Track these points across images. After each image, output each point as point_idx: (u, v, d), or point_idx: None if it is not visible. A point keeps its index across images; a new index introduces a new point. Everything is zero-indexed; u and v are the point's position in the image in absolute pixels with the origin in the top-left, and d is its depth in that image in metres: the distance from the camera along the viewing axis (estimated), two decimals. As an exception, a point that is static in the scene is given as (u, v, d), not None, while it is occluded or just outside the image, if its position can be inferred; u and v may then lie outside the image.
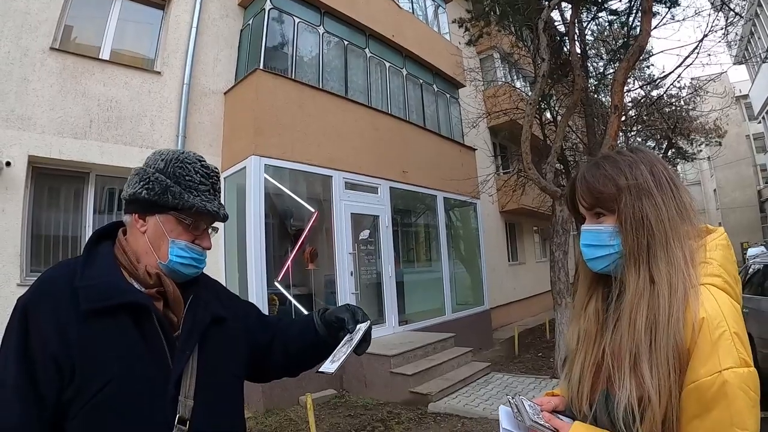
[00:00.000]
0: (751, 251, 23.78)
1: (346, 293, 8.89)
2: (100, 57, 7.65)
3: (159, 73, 8.16)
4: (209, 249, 1.54)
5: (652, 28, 9.02)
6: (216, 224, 1.58)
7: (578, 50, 10.71)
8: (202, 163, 1.52)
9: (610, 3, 11.21)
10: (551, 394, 1.48)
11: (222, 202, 1.56)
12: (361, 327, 1.67)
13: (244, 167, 8.05)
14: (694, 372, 1.08)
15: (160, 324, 1.34)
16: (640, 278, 1.21)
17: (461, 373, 8.31)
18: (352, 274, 9.11)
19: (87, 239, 1.46)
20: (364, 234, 10.00)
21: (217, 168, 1.57)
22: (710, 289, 1.16)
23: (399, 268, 10.77)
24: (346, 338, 1.65)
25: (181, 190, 1.43)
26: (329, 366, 1.56)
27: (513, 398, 1.37)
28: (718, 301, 1.13)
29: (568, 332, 1.44)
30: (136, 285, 1.38)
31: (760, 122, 29.23)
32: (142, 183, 1.42)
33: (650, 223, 1.22)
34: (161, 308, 1.38)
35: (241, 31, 9.48)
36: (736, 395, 1.04)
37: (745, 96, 32.53)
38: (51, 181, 7.14)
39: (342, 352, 1.59)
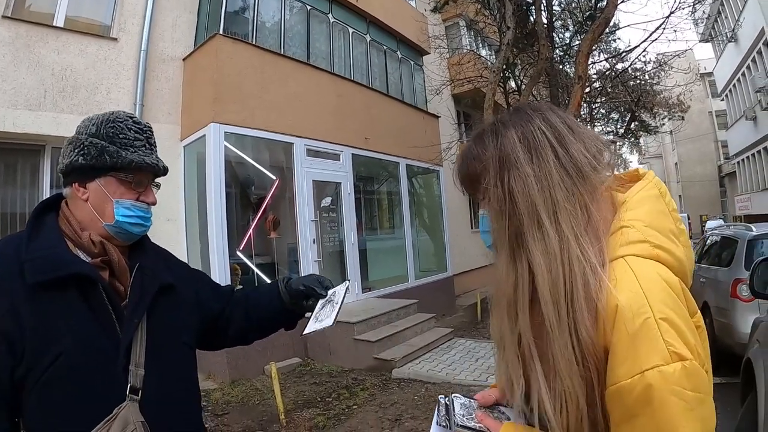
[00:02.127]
0: (709, 224, 24.60)
1: (308, 261, 8.91)
2: (54, 24, 7.34)
3: (115, 39, 7.88)
4: (154, 204, 1.53)
5: (618, 1, 9.09)
6: (159, 181, 1.57)
7: (544, 20, 10.74)
8: (134, 119, 1.50)
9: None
10: (495, 386, 1.26)
11: (159, 156, 1.54)
12: (338, 289, 1.78)
13: (204, 135, 7.91)
14: (613, 372, 0.89)
15: (106, 294, 1.33)
16: (518, 273, 1.01)
17: (425, 338, 8.47)
18: (314, 242, 9.13)
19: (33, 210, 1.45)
20: (326, 201, 10.01)
21: (149, 123, 1.56)
22: (630, 262, 0.93)
23: (362, 235, 10.84)
24: (321, 302, 1.74)
25: (117, 149, 1.41)
26: (317, 324, 1.67)
27: (446, 398, 1.26)
28: (640, 278, 0.90)
29: (491, 322, 1.18)
30: (81, 255, 1.38)
31: (723, 100, 29.85)
32: (77, 150, 1.40)
33: (515, 200, 1.00)
34: (107, 278, 1.38)
35: (201, -6, 9.23)
36: (664, 400, 0.83)
37: (710, 74, 33.17)
38: (5, 156, 6.91)
39: (325, 313, 1.69)
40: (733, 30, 19.56)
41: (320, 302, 1.76)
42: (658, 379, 0.83)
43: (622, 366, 0.87)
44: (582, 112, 10.34)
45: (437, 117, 14.13)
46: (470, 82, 13.88)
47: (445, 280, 13.09)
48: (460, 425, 1.16)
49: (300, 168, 9.16)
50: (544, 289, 0.95)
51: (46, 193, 7.09)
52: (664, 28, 11.03)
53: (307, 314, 1.81)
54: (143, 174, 1.47)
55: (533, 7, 11.01)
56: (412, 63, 13.98)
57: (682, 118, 20.39)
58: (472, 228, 17.18)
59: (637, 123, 18.31)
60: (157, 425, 1.31)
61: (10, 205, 6.88)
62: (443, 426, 1.21)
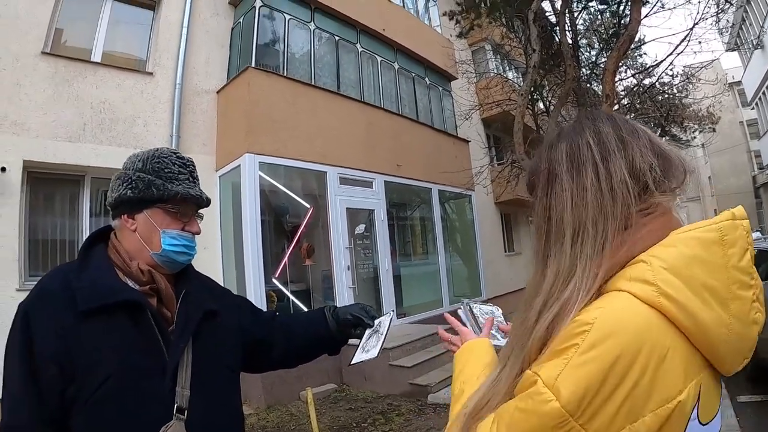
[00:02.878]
0: (747, 238, 23.86)
1: (343, 288, 8.95)
2: (91, 60, 7.65)
3: (151, 74, 8.18)
4: (198, 233, 1.61)
5: (642, 16, 9.05)
6: (202, 212, 1.66)
7: (569, 40, 10.73)
8: (177, 155, 1.59)
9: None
10: None
11: (202, 188, 1.63)
12: (383, 319, 1.89)
13: (239, 165, 8.08)
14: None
15: (154, 319, 1.40)
16: (534, 276, 1.00)
17: (460, 363, 8.33)
18: (348, 269, 9.16)
19: (82, 243, 1.53)
20: (360, 228, 10.06)
21: (191, 158, 1.65)
22: (620, 297, 0.83)
23: (396, 261, 10.82)
24: (368, 332, 1.84)
25: (163, 182, 1.50)
26: (364, 355, 1.76)
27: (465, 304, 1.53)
28: (619, 313, 0.80)
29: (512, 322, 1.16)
30: (130, 283, 1.45)
31: (753, 108, 29.17)
32: (125, 185, 1.49)
33: (551, 215, 0.98)
34: (155, 304, 1.45)
35: (232, 29, 9.49)
36: (514, 406, 0.84)
37: (738, 82, 32.46)
38: (46, 186, 7.16)
39: (372, 343, 1.78)
40: (758, 37, 19.19)
41: (367, 332, 1.85)
42: (532, 391, 0.81)
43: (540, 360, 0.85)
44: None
45: (467, 141, 14.16)
46: (499, 105, 13.89)
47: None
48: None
49: (333, 196, 9.24)
50: (538, 301, 0.93)
51: (85, 221, 7.33)
52: (689, 41, 10.90)
53: (351, 341, 1.90)
54: (188, 205, 1.57)
55: (557, 28, 11.02)
56: (441, 89, 14.08)
57: (713, 130, 19.97)
58: (505, 251, 17.07)
59: (667, 138, 18.04)
60: None
61: (50, 232, 7.11)
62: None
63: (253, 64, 8.49)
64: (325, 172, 9.20)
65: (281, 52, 9.37)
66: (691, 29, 10.94)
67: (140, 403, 1.31)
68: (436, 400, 7.13)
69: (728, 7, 12.73)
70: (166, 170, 1.53)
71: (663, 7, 10.86)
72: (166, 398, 1.35)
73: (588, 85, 14.07)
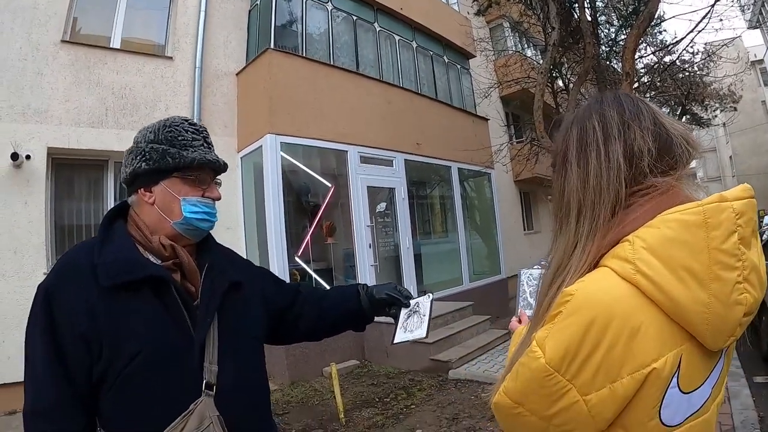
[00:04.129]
0: (767, 219, 23.51)
1: (365, 266, 9.04)
2: (110, 46, 7.77)
3: (170, 57, 8.28)
4: (219, 199, 1.59)
5: (662, -6, 8.91)
6: (219, 178, 1.63)
7: (588, 17, 10.61)
8: (189, 121, 1.56)
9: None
10: None
11: (217, 154, 1.61)
12: (421, 300, 1.87)
13: (260, 146, 8.16)
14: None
15: (179, 294, 1.40)
16: (551, 249, 1.11)
17: (480, 340, 8.43)
18: (370, 247, 9.24)
19: (103, 217, 1.52)
20: (381, 206, 10.10)
21: (203, 125, 1.64)
22: (600, 273, 0.93)
23: (416, 239, 10.87)
24: (404, 312, 1.85)
25: (178, 150, 1.47)
26: (408, 335, 1.79)
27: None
28: (596, 286, 0.90)
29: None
30: (152, 258, 1.44)
31: (775, 87, 28.62)
32: (138, 157, 1.46)
33: (563, 194, 1.07)
34: (179, 279, 1.45)
35: (249, 11, 9.54)
36: (519, 368, 0.98)
37: (761, 61, 31.87)
38: (71, 171, 7.34)
39: (414, 323, 1.79)
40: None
41: (403, 312, 1.86)
42: (529, 350, 0.94)
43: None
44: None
45: (486, 120, 14.11)
46: (518, 83, 13.77)
47: (499, 282, 13.00)
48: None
49: (354, 175, 9.30)
50: (550, 272, 1.05)
51: (110, 205, 7.45)
52: (710, 18, 10.72)
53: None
54: (205, 172, 1.54)
55: (576, 5, 10.90)
56: (459, 67, 14.01)
57: (735, 109, 19.58)
58: (525, 230, 17.06)
59: (688, 116, 17.78)
60: (232, 418, 1.37)
61: (76, 217, 7.32)
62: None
63: (272, 46, 8.53)
64: (346, 151, 9.25)
65: (299, 32, 9.40)
66: (712, 6, 10.76)
67: (169, 380, 1.33)
68: (457, 376, 7.21)
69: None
70: (179, 138, 1.50)
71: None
72: (194, 374, 1.36)
73: (608, 62, 13.92)
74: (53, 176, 7.03)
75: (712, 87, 17.79)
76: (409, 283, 9.86)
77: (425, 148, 11.14)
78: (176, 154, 1.46)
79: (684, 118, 17.33)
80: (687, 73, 15.87)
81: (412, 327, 1.79)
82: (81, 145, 7.11)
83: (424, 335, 1.73)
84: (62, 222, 7.10)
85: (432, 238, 12.42)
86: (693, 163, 1.09)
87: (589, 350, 0.85)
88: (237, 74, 9.10)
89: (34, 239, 6.53)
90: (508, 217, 15.09)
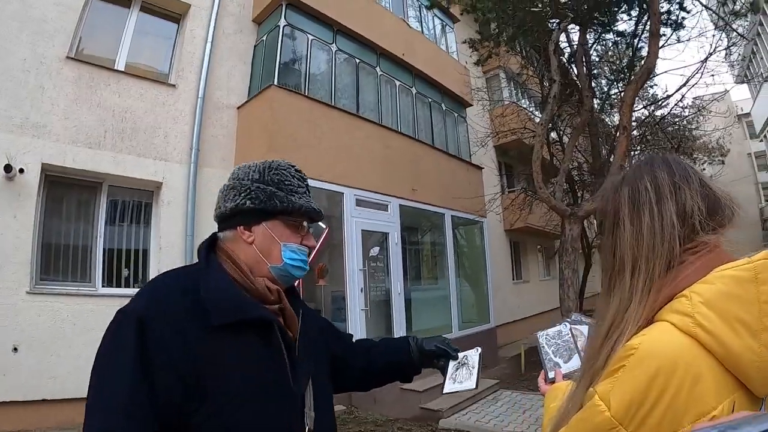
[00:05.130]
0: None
1: (356, 310, 8.86)
2: (115, 68, 7.69)
3: (174, 85, 8.21)
4: (314, 248, 1.56)
5: (659, 50, 9.12)
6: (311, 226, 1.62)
7: (585, 70, 10.81)
8: (296, 168, 1.55)
9: (615, 25, 11.36)
10: None
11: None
12: (469, 353, 1.92)
13: (258, 183, 7.98)
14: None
15: (283, 340, 1.36)
16: (601, 305, 1.15)
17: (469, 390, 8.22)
18: (362, 291, 9.08)
19: (199, 248, 1.45)
20: (375, 251, 9.97)
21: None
22: (662, 328, 0.96)
23: (407, 285, 10.73)
24: (453, 364, 1.89)
25: (285, 194, 1.45)
26: (458, 385, 1.83)
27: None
28: (658, 339, 0.94)
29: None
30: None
31: (761, 140, 29.46)
32: (243, 195, 1.43)
33: (615, 252, 1.12)
34: (283, 324, 1.41)
35: (255, 46, 9.55)
36: (581, 417, 1.00)
37: (747, 114, 32.92)
38: (63, 190, 7.14)
39: (463, 375, 1.84)
40: (768, 69, 19.41)
41: (452, 364, 1.89)
42: (590, 404, 0.97)
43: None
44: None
45: (481, 168, 14.16)
46: (514, 133, 13.94)
47: (488, 331, 12.83)
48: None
49: (349, 217, 9.20)
50: (603, 327, 1.08)
51: (101, 229, 7.34)
52: (702, 73, 11.07)
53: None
54: (306, 218, 1.52)
55: (574, 59, 11.14)
56: (456, 115, 14.14)
57: (722, 162, 20.14)
58: (513, 279, 17.02)
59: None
60: None
61: (64, 237, 7.07)
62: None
63: (276, 82, 8.51)
64: (342, 193, 9.16)
65: (302, 71, 9.42)
66: (704, 61, 11.11)
67: (274, 426, 1.29)
68: (448, 426, 7.09)
69: (740, 41, 12.88)
70: (286, 182, 1.48)
71: (678, 41, 11.00)
72: (298, 421, 1.34)
73: (600, 115, 14.19)
74: (45, 193, 6.84)
75: (701, 140, 18.30)
76: (399, 328, 9.68)
77: (420, 194, 11.10)
78: (284, 198, 1.45)
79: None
80: (677, 126, 16.26)
81: (461, 378, 1.82)
82: (76, 165, 6.95)
83: (474, 386, 1.78)
84: (49, 240, 6.86)
85: (423, 285, 12.26)
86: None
87: (654, 400, 0.88)
88: (238, 108, 9.04)
89: (20, 255, 6.31)
90: (497, 265, 15.02)
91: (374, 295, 9.69)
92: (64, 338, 6.41)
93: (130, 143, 7.49)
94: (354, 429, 7.06)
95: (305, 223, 1.53)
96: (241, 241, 1.44)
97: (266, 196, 1.42)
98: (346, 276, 8.95)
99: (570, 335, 1.69)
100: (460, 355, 1.90)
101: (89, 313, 6.64)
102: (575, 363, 1.59)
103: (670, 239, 1.03)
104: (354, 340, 1.95)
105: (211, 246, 1.46)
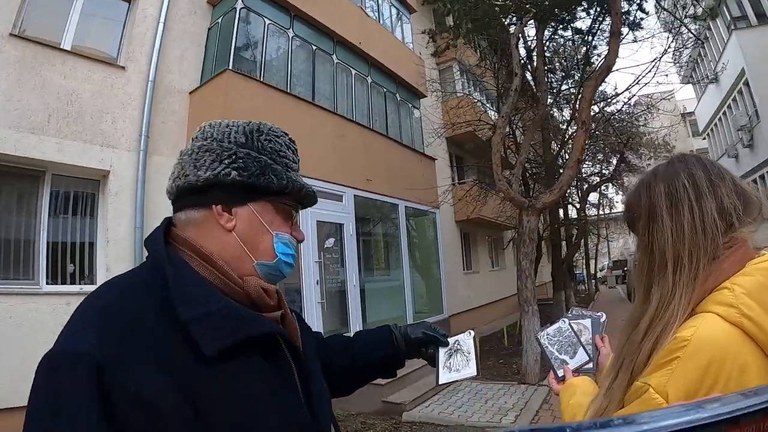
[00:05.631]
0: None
1: (312, 302, 8.70)
2: (61, 47, 7.19)
3: (123, 68, 7.75)
4: (303, 242, 1.19)
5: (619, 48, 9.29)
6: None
7: (543, 66, 10.94)
8: (289, 137, 1.18)
9: (574, 23, 11.56)
10: None
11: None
12: (461, 338, 1.66)
13: (208, 173, 7.71)
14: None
15: (290, 355, 1.06)
16: (639, 300, 1.17)
17: (430, 381, 8.19)
18: (317, 283, 8.92)
19: (148, 241, 1.05)
20: (330, 242, 9.82)
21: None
22: (709, 319, 0.98)
23: (361, 276, 10.63)
24: (444, 351, 1.68)
25: (283, 170, 1.09)
26: (455, 374, 1.63)
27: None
28: (709, 330, 0.96)
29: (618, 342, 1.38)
30: None
31: (704, 138, 30.57)
32: (227, 161, 1.03)
33: (653, 249, 1.13)
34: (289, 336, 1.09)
35: (209, 29, 9.17)
36: (641, 405, 0.99)
37: (690, 113, 34.17)
38: (2, 180, 6.55)
39: (459, 362, 1.65)
40: (716, 72, 20.16)
41: (443, 351, 1.67)
42: (645, 397, 0.97)
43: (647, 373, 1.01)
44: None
45: (434, 159, 14.18)
46: (469, 125, 13.97)
47: (442, 321, 12.82)
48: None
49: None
50: (644, 321, 1.10)
51: (44, 222, 6.76)
52: (655, 73, 11.45)
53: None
54: (298, 205, 1.18)
55: (534, 53, 11.27)
56: (410, 105, 14.09)
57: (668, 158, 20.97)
58: (464, 270, 17.13)
59: (624, 164, 18.67)
60: None
61: (4, 231, 6.48)
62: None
63: (230, 67, 8.21)
64: (297, 183, 8.91)
65: (258, 57, 9.12)
66: (657, 60, 11.50)
67: None
68: (411, 418, 7.07)
69: (691, 44, 13.36)
70: (281, 153, 1.11)
71: (635, 40, 11.27)
72: None
73: (551, 110, 14.46)
74: (-20, 183, 6.33)
75: (647, 137, 18.87)
76: (355, 320, 9.61)
77: (374, 184, 11.02)
78: (282, 175, 1.07)
79: (621, 166, 18.23)
80: (624, 123, 16.74)
81: (457, 366, 1.63)
82: (18, 152, 6.38)
83: (475, 373, 1.61)
84: (-13, 234, 6.35)
85: (377, 276, 12.16)
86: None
87: (707, 390, 0.91)
88: (190, 93, 8.66)
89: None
90: (449, 256, 15.07)
91: (330, 287, 9.55)
92: (6, 342, 5.81)
93: (76, 128, 7.00)
94: (313, 425, 6.95)
95: (294, 212, 1.17)
96: (215, 226, 1.04)
97: (259, 169, 1.04)
98: (302, 268, 8.75)
99: (571, 330, 1.66)
100: (451, 340, 1.65)
101: (34, 312, 6.14)
102: (581, 357, 1.58)
103: (713, 235, 1.05)
104: (325, 338, 1.63)
105: (165, 236, 1.05)
